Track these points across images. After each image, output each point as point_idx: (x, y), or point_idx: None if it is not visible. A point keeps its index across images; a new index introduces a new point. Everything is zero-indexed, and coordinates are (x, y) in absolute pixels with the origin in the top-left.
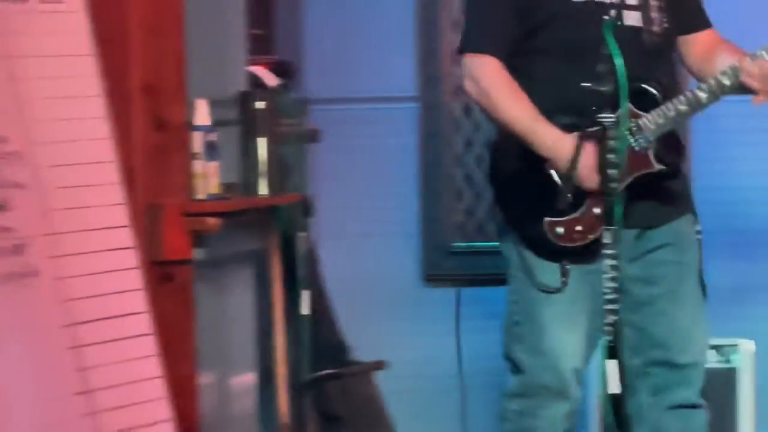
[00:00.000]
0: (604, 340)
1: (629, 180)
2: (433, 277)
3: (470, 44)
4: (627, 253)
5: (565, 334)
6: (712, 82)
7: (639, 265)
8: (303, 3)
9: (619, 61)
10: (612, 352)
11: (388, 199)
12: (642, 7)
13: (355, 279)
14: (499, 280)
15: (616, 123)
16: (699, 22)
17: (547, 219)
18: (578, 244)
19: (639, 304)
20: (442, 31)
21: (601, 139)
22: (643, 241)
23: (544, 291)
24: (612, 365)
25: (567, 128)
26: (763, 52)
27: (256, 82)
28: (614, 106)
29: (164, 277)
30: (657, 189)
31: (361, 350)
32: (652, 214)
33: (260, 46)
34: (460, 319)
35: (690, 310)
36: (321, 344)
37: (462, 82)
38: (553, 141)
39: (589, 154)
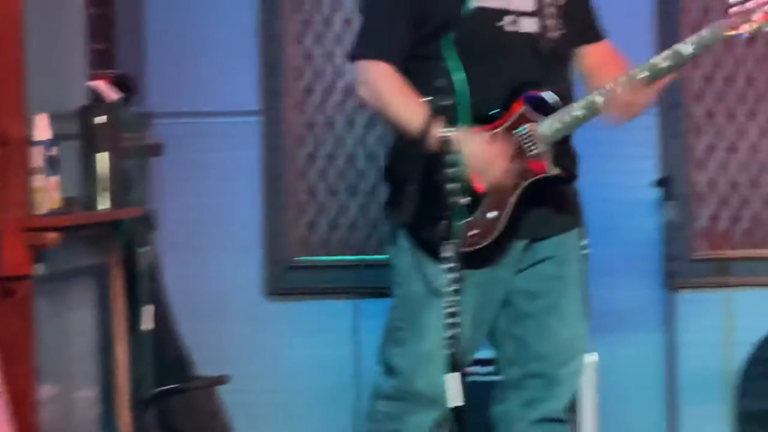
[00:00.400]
0: (445, 354)
1: (525, 186)
2: (275, 291)
3: (364, 51)
4: (514, 264)
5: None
6: (610, 87)
7: (524, 277)
8: (145, 17)
9: (458, 77)
10: (453, 366)
11: (231, 213)
12: (539, 14)
13: (199, 293)
14: (342, 292)
15: (452, 139)
16: (591, 34)
17: (444, 222)
18: (473, 248)
19: (521, 316)
20: (284, 45)
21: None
22: (530, 253)
23: (439, 295)
24: (453, 378)
25: None
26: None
27: (96, 96)
28: (483, 119)
29: (4, 293)
30: (550, 198)
31: (204, 364)
32: (542, 225)
33: (102, 60)
34: (359, 332)
35: (571, 325)
36: (164, 359)
37: (356, 89)
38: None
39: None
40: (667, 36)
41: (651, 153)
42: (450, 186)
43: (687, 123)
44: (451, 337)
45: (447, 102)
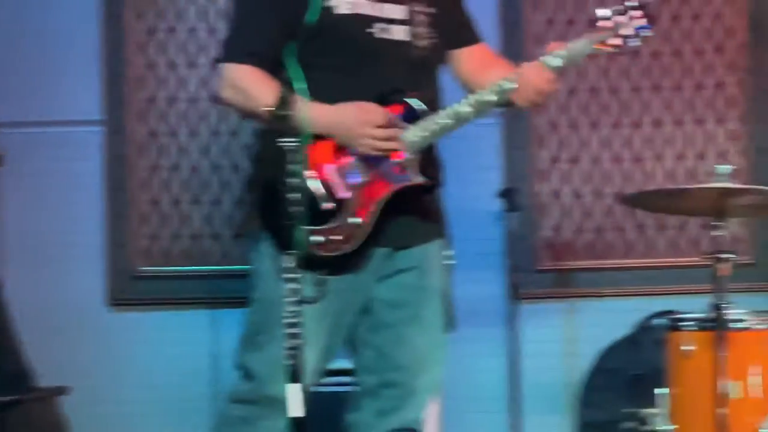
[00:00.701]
0: (286, 364)
1: (390, 194)
2: (118, 301)
3: (229, 54)
4: (376, 272)
5: (303, 348)
6: (477, 97)
7: (385, 286)
8: None
9: (298, 86)
10: (294, 376)
11: (73, 223)
12: (410, 22)
13: (40, 304)
14: (185, 303)
15: (296, 149)
16: (469, 36)
17: (305, 227)
18: (335, 253)
19: (381, 326)
20: (127, 55)
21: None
22: (393, 262)
23: (301, 301)
24: (294, 389)
25: None
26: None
27: None
28: None
29: None
30: (414, 206)
31: (48, 376)
32: (405, 234)
33: None
34: (214, 342)
35: (430, 336)
36: (2, 370)
37: (220, 92)
38: (309, 111)
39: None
40: (512, 47)
41: (495, 164)
42: (294, 194)
43: (530, 134)
44: (291, 348)
45: (285, 112)
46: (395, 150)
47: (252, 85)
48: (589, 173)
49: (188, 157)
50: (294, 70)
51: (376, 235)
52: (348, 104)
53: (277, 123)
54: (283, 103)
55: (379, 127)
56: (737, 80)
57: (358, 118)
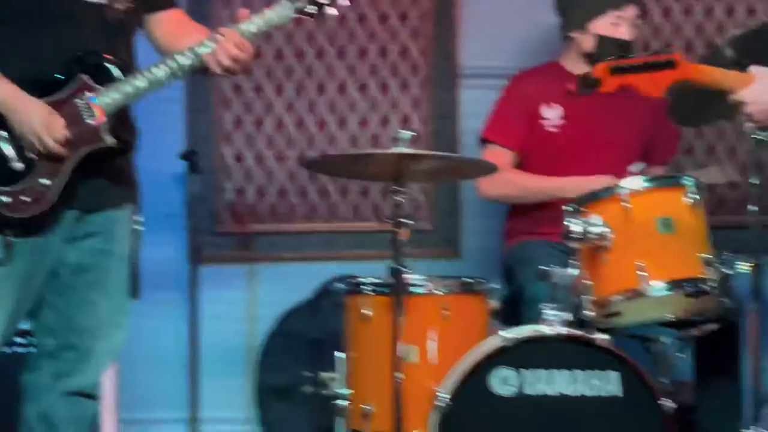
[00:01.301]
0: None
1: (81, 155)
2: None
3: None
4: (65, 235)
5: None
6: (172, 61)
7: (72, 249)
8: None
9: None
10: None
11: None
12: None
13: None
14: None
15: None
16: (165, 1)
17: None
18: (25, 215)
19: (65, 288)
20: None
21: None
22: (82, 225)
23: None
24: None
25: None
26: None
27: None
28: (44, 85)
29: None
30: (105, 170)
31: None
32: (95, 197)
33: None
34: None
35: (113, 301)
36: None
37: None
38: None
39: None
40: (198, 9)
41: (177, 125)
42: None
43: (214, 96)
44: None
45: None
46: (57, 156)
47: None
48: (273, 137)
49: None
50: None
51: (66, 197)
52: (39, 104)
53: None
54: None
55: (56, 141)
56: (421, 47)
57: (42, 124)
